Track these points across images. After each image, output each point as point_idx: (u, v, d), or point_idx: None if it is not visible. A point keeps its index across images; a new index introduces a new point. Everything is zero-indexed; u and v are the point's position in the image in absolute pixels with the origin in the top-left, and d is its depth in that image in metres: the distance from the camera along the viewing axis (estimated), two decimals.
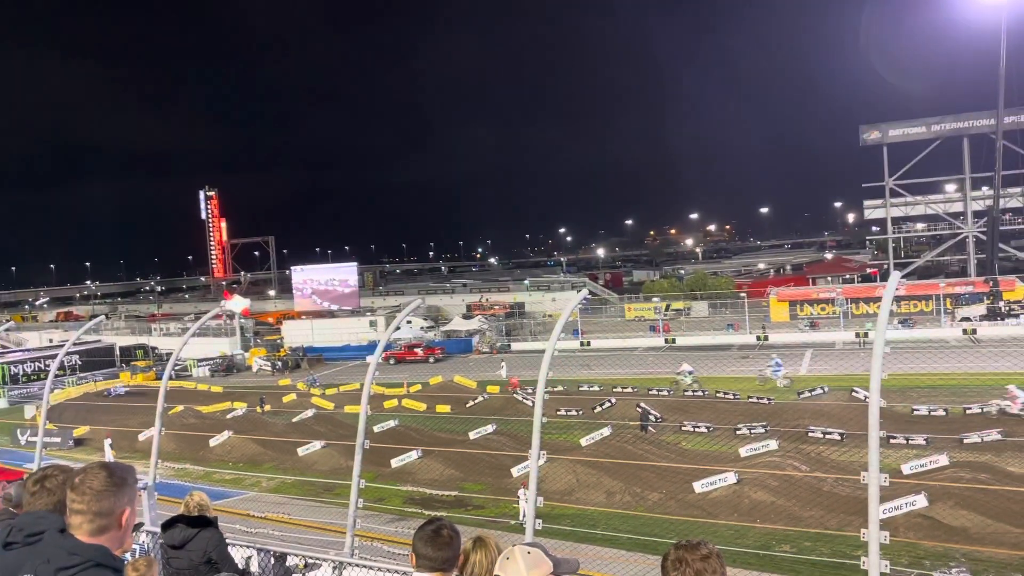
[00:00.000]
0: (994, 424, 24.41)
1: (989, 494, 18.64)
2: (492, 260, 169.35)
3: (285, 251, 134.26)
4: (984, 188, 64.62)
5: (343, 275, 76.24)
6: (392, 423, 29.92)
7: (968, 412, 26.34)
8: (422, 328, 62.34)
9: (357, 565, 6.26)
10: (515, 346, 56.83)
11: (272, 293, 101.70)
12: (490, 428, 29.19)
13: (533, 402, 8.23)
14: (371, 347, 54.23)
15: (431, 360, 52.30)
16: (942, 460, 20.82)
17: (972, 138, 64.02)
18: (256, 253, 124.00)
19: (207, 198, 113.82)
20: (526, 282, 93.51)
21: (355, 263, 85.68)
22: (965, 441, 23.45)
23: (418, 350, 53.70)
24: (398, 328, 8.38)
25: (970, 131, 63.84)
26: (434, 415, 33.70)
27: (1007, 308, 50.01)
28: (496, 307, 76.76)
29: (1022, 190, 63.13)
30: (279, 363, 54.77)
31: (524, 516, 19.32)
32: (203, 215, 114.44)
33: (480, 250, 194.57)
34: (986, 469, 20.53)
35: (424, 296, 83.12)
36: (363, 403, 7.53)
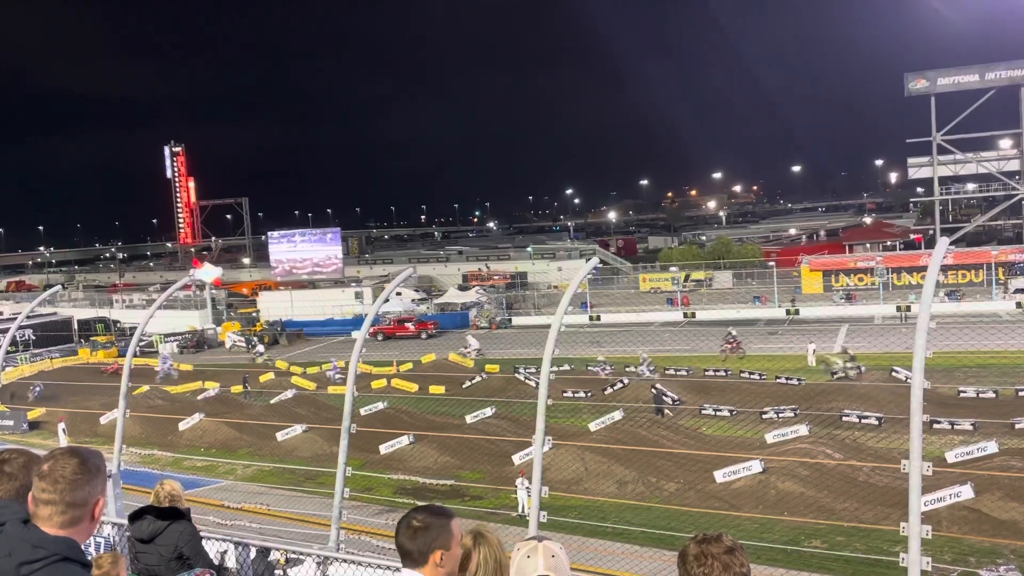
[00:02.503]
0: None
1: None
2: (491, 225, 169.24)
3: (261, 214, 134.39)
4: None
5: (326, 241, 76.18)
6: (381, 405, 30.06)
7: (1021, 394, 26.44)
8: (413, 301, 62.35)
9: (343, 560, 6.33)
10: (517, 321, 56.93)
11: (246, 261, 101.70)
12: (489, 411, 29.35)
13: (537, 383, 8.26)
14: (357, 321, 54.38)
15: (423, 336, 52.35)
16: (991, 447, 20.94)
17: None
18: (228, 216, 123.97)
19: (173, 154, 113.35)
20: (529, 249, 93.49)
21: (339, 228, 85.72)
22: (1017, 426, 23.57)
23: (409, 325, 53.77)
24: (387, 300, 8.39)
25: None
26: (427, 397, 33.82)
27: None
28: (496, 277, 76.77)
29: None
30: (255, 339, 54.92)
31: (524, 508, 19.52)
32: (168, 173, 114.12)
33: (478, 214, 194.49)
34: None
35: (415, 265, 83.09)
36: (349, 383, 7.56)
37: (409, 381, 36.14)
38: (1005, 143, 67.29)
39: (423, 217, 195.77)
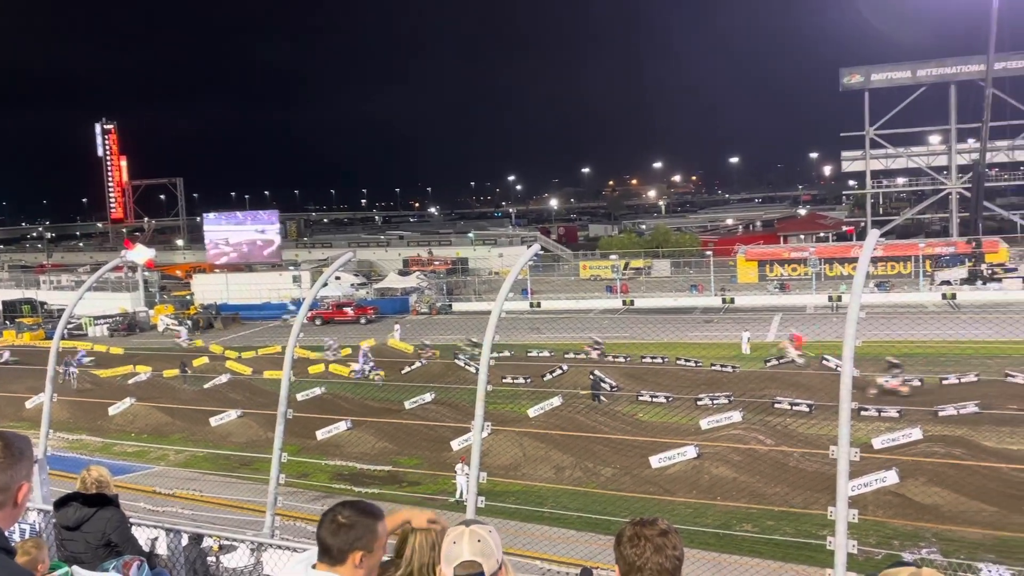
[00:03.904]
0: (972, 396, 25.44)
1: (963, 470, 19.50)
2: (432, 210, 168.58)
3: (196, 195, 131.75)
4: (970, 140, 66.38)
5: (263, 223, 75.05)
6: (318, 391, 29.72)
7: (944, 383, 27.38)
8: (353, 285, 61.94)
9: (278, 547, 6.27)
10: (457, 306, 56.91)
11: (180, 243, 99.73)
12: (428, 397, 29.29)
13: (477, 368, 8.27)
14: (294, 306, 53.75)
15: (363, 321, 52.16)
16: (915, 434, 21.63)
17: (960, 85, 65.56)
18: (162, 197, 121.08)
19: (104, 132, 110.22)
20: (470, 235, 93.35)
21: (277, 211, 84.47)
22: (940, 414, 24.42)
23: (348, 310, 53.43)
24: (325, 285, 8.30)
25: (957, 77, 65.32)
26: (366, 382, 33.66)
27: (989, 272, 51.85)
28: (436, 263, 76.57)
29: (1010, 143, 65.03)
30: (189, 322, 53.91)
31: (462, 494, 19.57)
32: (100, 152, 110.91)
33: (419, 199, 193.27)
34: (961, 444, 21.44)
35: (355, 249, 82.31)
36: (286, 368, 7.47)
37: (347, 366, 35.87)
38: (934, 139, 69.46)
39: (364, 201, 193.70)
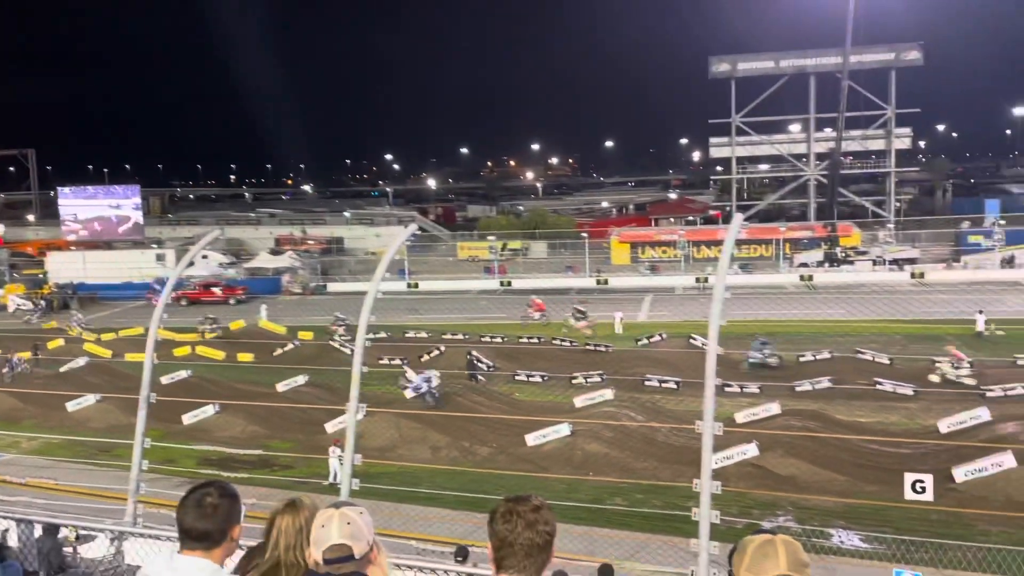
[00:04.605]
0: (826, 372, 27.02)
1: (817, 442, 20.72)
2: (306, 188, 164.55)
3: (49, 168, 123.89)
4: (827, 130, 70.05)
5: (124, 198, 71.57)
6: (184, 374, 28.76)
7: (801, 360, 28.96)
8: (221, 264, 59.97)
9: (140, 535, 6.05)
10: (332, 287, 56.02)
11: (32, 218, 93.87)
12: (301, 379, 28.79)
13: (352, 350, 8.18)
14: (159, 285, 51.62)
15: (232, 301, 50.76)
16: (774, 408, 22.84)
17: (818, 76, 68.98)
18: (12, 169, 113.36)
19: None
20: (346, 214, 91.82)
21: (139, 186, 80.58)
22: (796, 389, 25.85)
23: (216, 289, 51.87)
24: (191, 264, 8.01)
25: (816, 68, 68.67)
26: (235, 365, 32.80)
27: (843, 254, 55.05)
28: (310, 242, 74.99)
29: (863, 133, 69.01)
30: (42, 302, 51.01)
31: (336, 476, 19.36)
32: None
33: (292, 176, 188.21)
34: (816, 417, 22.76)
35: (224, 227, 79.64)
36: (148, 350, 7.19)
37: (216, 348, 34.81)
38: (795, 127, 72.89)
39: (233, 177, 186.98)
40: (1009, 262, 50.09)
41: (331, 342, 34.24)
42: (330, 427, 23.59)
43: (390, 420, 23.66)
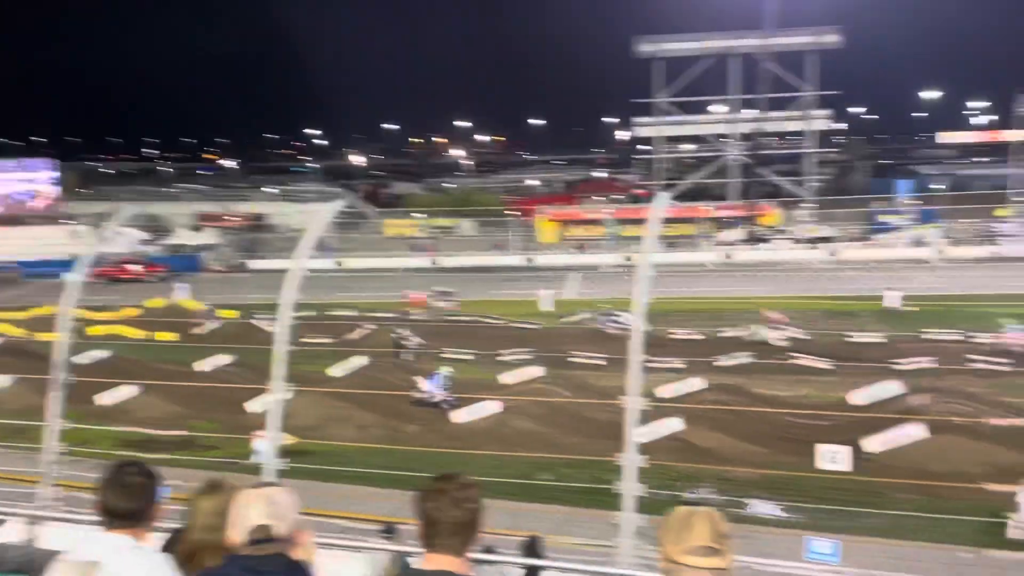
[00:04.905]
0: (746, 348, 27.76)
1: (738, 415, 21.26)
2: (228, 163, 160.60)
3: None
4: (749, 111, 71.44)
5: (35, 172, 68.88)
6: (101, 353, 27.93)
7: (720, 335, 29.69)
8: (140, 241, 58.32)
9: (55, 519, 5.87)
10: (255, 264, 55.02)
11: None
12: (225, 359, 28.24)
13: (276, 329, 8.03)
14: (72, 263, 49.99)
15: (152, 279, 49.43)
16: (697, 383, 23.35)
17: (742, 58, 70.18)
18: None
19: None
20: (271, 189, 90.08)
21: (51, 160, 77.65)
22: (714, 364, 26.49)
23: (136, 267, 50.40)
24: (108, 240, 7.76)
25: (739, 50, 69.79)
26: (154, 344, 32.00)
27: (762, 233, 56.46)
28: (232, 219, 73.38)
29: (784, 114, 70.57)
30: None
31: (260, 456, 19.09)
32: None
33: (214, 152, 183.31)
34: (737, 391, 23.35)
35: (143, 203, 77.32)
36: (62, 329, 6.95)
37: (134, 327, 33.87)
38: (719, 108, 74.11)
39: (153, 152, 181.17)
40: (917, 243, 52.07)
41: (254, 321, 33.61)
42: (253, 407, 23.20)
43: (316, 399, 23.33)
